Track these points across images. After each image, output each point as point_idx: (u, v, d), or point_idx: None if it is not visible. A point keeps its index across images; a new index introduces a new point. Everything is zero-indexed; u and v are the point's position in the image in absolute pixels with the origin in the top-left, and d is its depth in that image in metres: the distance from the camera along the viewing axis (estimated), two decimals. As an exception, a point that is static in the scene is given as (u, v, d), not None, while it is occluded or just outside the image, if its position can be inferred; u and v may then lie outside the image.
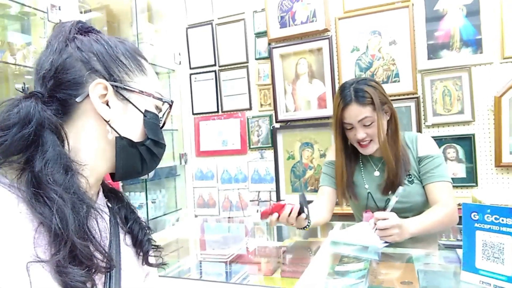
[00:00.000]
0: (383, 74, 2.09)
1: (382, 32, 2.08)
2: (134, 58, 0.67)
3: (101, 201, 0.69)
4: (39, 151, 0.55)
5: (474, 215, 0.80)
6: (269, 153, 2.37)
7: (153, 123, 0.66)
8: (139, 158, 0.66)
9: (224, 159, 2.49)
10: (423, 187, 1.37)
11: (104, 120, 0.62)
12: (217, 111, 2.50)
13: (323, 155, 2.24)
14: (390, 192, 1.39)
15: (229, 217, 2.42)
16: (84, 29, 0.67)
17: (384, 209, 1.34)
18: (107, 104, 0.62)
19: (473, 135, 1.94)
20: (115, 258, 0.65)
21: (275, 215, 1.20)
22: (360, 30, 2.12)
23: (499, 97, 1.86)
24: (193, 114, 2.57)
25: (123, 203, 0.74)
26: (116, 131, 0.63)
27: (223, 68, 2.47)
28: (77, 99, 0.61)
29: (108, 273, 0.62)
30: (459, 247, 0.98)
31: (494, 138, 1.89)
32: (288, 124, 2.31)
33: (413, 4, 2.01)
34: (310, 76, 2.25)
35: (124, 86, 0.64)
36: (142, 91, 0.65)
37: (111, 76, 0.63)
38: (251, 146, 2.41)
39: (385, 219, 1.11)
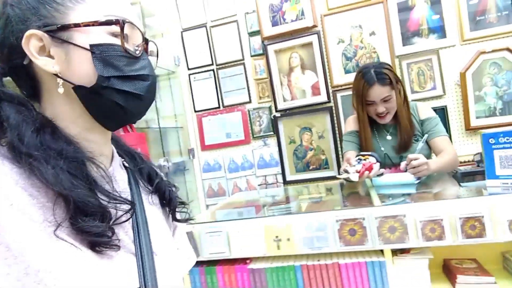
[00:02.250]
0: (367, 61, 2.42)
1: (363, 25, 2.42)
2: None
3: (116, 162, 0.66)
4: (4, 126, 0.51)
5: (491, 139, 1.10)
6: (272, 140, 2.61)
7: (108, 56, 0.54)
8: (111, 104, 0.56)
9: (229, 150, 2.68)
10: (427, 142, 1.69)
11: (54, 74, 0.55)
12: (219, 107, 2.70)
13: (321, 137, 2.52)
14: (402, 152, 1.70)
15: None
16: None
17: (399, 165, 1.64)
18: (50, 55, 0.55)
19: (446, 106, 2.33)
20: (140, 216, 0.63)
21: (366, 173, 1.48)
22: (344, 24, 2.44)
23: (463, 72, 2.26)
24: (195, 111, 2.74)
25: (144, 163, 0.72)
26: (68, 81, 0.55)
27: (220, 66, 2.67)
28: (24, 62, 0.55)
29: (137, 228, 0.61)
30: (475, 173, 1.30)
31: (463, 107, 2.29)
32: (287, 112, 2.57)
33: (386, 0, 2.37)
34: (303, 68, 2.53)
35: (57, 27, 0.53)
36: (79, 24, 0.53)
37: (42, 20, 0.53)
38: (254, 136, 2.63)
39: (417, 159, 1.41)
